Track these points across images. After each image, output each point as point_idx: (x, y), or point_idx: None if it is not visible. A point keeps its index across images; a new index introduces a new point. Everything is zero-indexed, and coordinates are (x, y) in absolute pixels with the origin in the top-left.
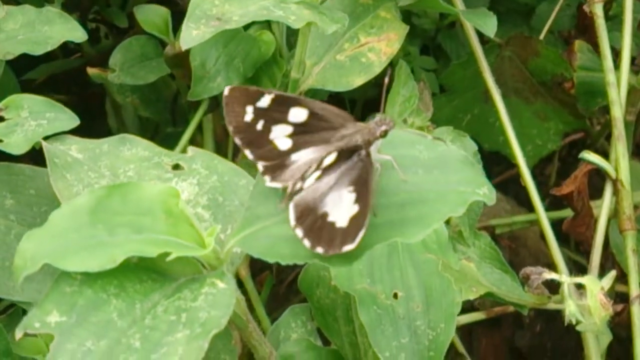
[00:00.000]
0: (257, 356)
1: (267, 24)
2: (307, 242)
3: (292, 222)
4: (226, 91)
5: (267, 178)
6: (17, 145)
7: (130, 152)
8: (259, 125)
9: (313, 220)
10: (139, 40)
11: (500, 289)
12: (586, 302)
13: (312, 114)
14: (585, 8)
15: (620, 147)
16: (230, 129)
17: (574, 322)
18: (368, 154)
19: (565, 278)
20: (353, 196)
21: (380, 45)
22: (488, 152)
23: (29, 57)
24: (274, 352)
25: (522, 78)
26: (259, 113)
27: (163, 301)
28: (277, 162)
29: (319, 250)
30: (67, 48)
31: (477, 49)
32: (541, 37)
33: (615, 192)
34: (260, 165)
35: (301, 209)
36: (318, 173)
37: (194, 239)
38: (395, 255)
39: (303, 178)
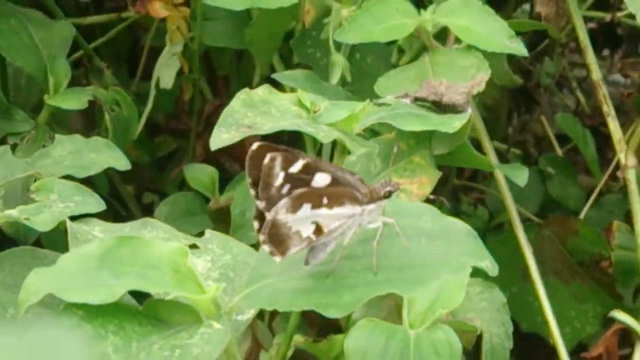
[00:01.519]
0: None
1: None
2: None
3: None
4: (254, 146)
5: None
6: (43, 223)
7: (150, 234)
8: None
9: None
10: (185, 197)
11: None
12: None
13: (334, 179)
14: (619, 174)
15: None
16: (249, 181)
17: None
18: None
19: None
20: (314, 227)
21: (412, 187)
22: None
23: None
24: None
25: (561, 258)
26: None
27: (160, 341)
28: None
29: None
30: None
31: (518, 226)
32: (582, 216)
33: None
34: None
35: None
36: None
37: (198, 294)
38: (406, 357)
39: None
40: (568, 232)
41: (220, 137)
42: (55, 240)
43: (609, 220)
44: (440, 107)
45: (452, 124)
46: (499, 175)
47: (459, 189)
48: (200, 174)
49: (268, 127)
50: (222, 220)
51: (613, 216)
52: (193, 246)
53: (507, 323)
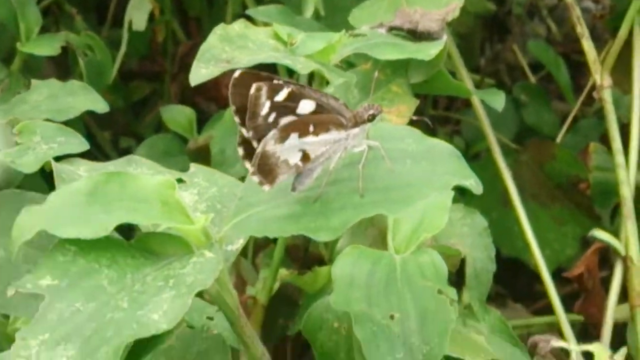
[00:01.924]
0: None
1: None
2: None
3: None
4: (236, 74)
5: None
6: (28, 164)
7: (135, 171)
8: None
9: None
10: (163, 138)
11: None
12: None
13: (318, 105)
14: (595, 95)
15: (629, 225)
16: (233, 108)
17: None
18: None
19: (573, 346)
20: (301, 154)
21: (391, 116)
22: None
23: None
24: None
25: (539, 182)
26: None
27: (153, 272)
28: None
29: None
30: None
31: (496, 151)
32: (557, 141)
33: (625, 269)
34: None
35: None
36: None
37: (188, 225)
38: (393, 284)
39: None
40: (545, 156)
41: (199, 72)
42: (37, 187)
43: (584, 144)
44: (415, 35)
45: (428, 51)
46: (476, 101)
47: (435, 120)
48: (178, 115)
49: (246, 60)
50: (202, 160)
51: (588, 140)
52: (179, 180)
53: (489, 247)
